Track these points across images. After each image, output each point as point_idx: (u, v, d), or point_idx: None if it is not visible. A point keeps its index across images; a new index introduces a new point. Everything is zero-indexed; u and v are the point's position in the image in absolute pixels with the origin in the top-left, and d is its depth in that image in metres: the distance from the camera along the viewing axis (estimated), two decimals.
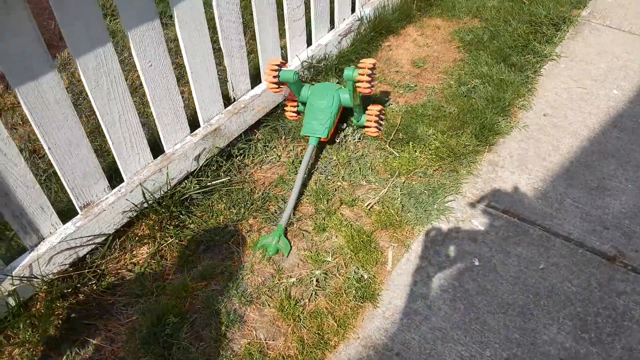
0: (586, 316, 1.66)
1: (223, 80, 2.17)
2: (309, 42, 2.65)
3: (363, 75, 2.05)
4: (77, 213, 1.78)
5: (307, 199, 2.08)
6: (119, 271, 1.81)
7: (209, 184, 2.07)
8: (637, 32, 3.03)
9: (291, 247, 1.91)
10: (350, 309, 1.70)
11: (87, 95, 1.66)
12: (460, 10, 3.28)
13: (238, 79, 2.24)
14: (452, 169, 2.18)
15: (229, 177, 2.14)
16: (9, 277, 1.58)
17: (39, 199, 1.62)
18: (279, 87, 2.21)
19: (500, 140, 2.33)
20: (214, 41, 2.01)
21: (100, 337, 1.64)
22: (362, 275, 1.80)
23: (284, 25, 2.42)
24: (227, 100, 2.26)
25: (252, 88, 2.36)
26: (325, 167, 2.22)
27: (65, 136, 1.61)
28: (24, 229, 1.61)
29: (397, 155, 2.24)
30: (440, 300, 1.73)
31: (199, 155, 2.10)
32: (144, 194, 1.89)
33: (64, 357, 1.58)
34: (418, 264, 1.84)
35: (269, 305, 1.72)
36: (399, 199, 2.06)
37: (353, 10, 2.92)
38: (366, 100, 2.41)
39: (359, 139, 2.34)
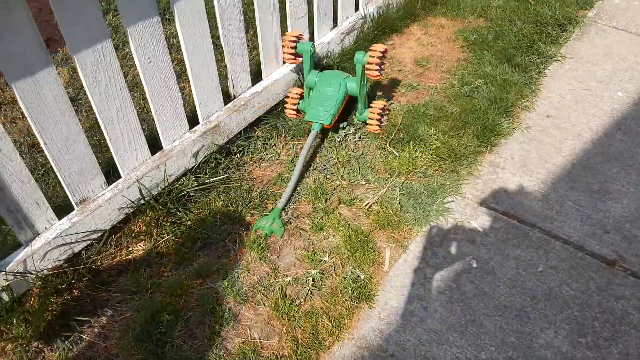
0: (583, 320, 1.64)
1: (224, 77, 2.16)
2: (311, 40, 2.63)
3: (373, 58, 2.12)
4: (74, 209, 1.78)
5: (305, 198, 2.07)
6: (114, 268, 1.81)
7: (206, 181, 2.07)
8: None
9: (285, 229, 1.94)
10: (346, 309, 1.69)
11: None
12: (465, 10, 3.25)
13: (239, 76, 2.23)
14: (452, 169, 2.16)
15: (228, 175, 2.13)
16: (3, 272, 1.58)
17: (34, 195, 1.61)
18: (295, 59, 2.31)
19: (502, 142, 2.31)
20: (216, 37, 2.01)
21: (94, 333, 1.63)
22: (358, 276, 1.78)
23: (286, 23, 2.41)
24: (227, 97, 2.25)
25: (253, 85, 2.34)
26: (325, 165, 2.21)
27: (62, 132, 1.61)
28: (19, 224, 1.61)
29: (397, 155, 2.23)
30: (437, 302, 1.71)
31: (198, 152, 2.09)
32: (140, 190, 1.88)
33: (57, 353, 1.58)
34: (415, 265, 1.82)
35: (264, 304, 1.71)
36: (397, 199, 2.04)
37: (357, 8, 2.90)
38: (371, 97, 2.40)
39: (360, 137, 2.33)
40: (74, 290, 1.72)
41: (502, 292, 1.73)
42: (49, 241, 1.66)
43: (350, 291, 1.73)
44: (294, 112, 2.40)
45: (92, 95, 1.66)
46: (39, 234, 1.69)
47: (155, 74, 1.83)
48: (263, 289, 1.75)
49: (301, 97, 2.41)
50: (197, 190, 2.03)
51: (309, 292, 1.74)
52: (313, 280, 1.77)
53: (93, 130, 2.31)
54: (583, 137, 2.31)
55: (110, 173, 1.94)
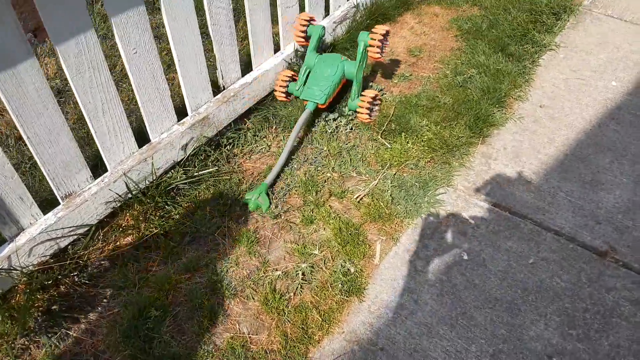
0: (574, 312, 1.63)
1: (213, 68, 2.13)
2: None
3: (375, 40, 2.20)
4: (60, 203, 1.75)
5: (296, 190, 2.04)
6: (101, 263, 1.78)
7: (195, 174, 2.04)
8: (639, 22, 2.96)
9: (270, 203, 1.96)
10: (336, 303, 1.68)
11: None
12: None
13: (228, 66, 2.20)
14: (444, 161, 2.14)
15: (217, 167, 2.10)
16: None
17: (17, 189, 1.58)
18: (305, 41, 2.39)
19: (495, 132, 2.28)
20: (204, 26, 1.97)
21: (81, 329, 1.62)
22: (348, 269, 1.77)
23: (276, 11, 2.37)
24: (217, 89, 2.21)
25: (243, 76, 2.31)
26: (316, 157, 2.18)
27: (45, 125, 1.58)
28: (3, 220, 1.59)
29: (389, 146, 2.20)
30: (427, 294, 1.70)
31: (186, 144, 2.06)
32: (127, 184, 1.85)
33: (44, 350, 1.56)
34: (406, 258, 1.81)
35: (253, 298, 1.70)
36: (389, 191, 2.02)
37: None
38: (363, 87, 2.36)
39: (351, 129, 2.30)
40: (61, 286, 1.70)
41: (493, 284, 1.72)
42: (34, 237, 1.64)
43: (340, 285, 1.72)
44: (284, 95, 2.37)
45: (76, 87, 1.63)
46: (23, 230, 1.66)
47: (141, 65, 1.80)
48: (252, 283, 1.74)
49: (291, 79, 2.38)
50: (185, 183, 2.01)
51: (299, 286, 1.72)
52: (303, 274, 1.75)
53: (81, 123, 2.27)
54: (576, 128, 2.29)
55: (98, 166, 1.91)
